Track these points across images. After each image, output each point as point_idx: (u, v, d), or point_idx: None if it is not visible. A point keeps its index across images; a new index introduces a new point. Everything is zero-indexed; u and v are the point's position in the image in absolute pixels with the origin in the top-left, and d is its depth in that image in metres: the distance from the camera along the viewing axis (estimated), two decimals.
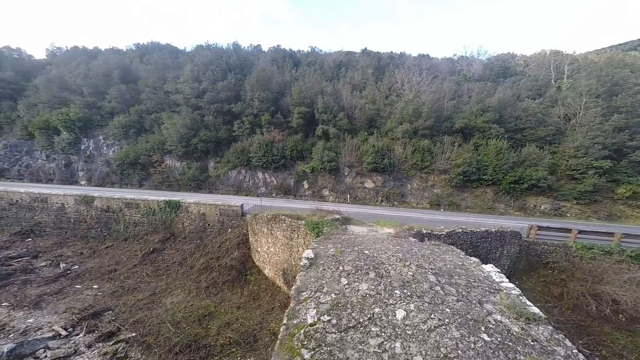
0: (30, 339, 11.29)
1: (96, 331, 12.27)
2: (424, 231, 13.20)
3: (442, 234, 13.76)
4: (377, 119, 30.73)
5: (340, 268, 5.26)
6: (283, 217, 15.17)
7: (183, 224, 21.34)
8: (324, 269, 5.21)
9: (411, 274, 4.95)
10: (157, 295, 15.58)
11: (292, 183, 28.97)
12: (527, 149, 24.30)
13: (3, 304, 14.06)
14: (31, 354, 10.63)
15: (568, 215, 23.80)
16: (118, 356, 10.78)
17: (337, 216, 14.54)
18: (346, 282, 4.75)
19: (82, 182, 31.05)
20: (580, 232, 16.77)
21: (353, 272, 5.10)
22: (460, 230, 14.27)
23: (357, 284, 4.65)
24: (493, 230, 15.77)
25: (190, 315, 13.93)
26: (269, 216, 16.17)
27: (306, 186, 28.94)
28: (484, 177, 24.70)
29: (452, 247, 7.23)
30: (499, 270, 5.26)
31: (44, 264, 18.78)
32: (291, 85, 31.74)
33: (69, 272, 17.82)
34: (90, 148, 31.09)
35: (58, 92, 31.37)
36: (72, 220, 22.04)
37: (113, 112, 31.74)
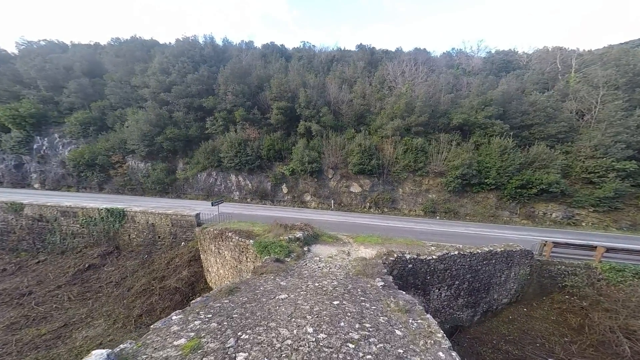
0: None
1: None
2: (408, 256, 9.89)
3: (432, 259, 10.43)
4: (367, 115, 27.50)
5: None
6: (230, 235, 11.85)
7: (130, 235, 18.03)
8: None
9: None
10: (69, 327, 12.26)
11: (269, 187, 25.68)
12: (536, 149, 20.98)
13: None
14: None
15: (583, 224, 20.50)
16: None
17: (299, 234, 11.25)
18: None
19: (36, 185, 27.76)
20: (608, 250, 13.44)
21: None
22: (456, 253, 10.95)
23: None
24: (498, 250, 12.45)
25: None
26: (215, 232, 12.86)
27: (285, 190, 25.64)
28: (485, 180, 21.39)
29: (430, 322, 3.90)
30: None
31: None
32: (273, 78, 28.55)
33: None
34: (44, 147, 27.82)
35: (9, 85, 28.20)
36: None
37: (72, 108, 28.54)
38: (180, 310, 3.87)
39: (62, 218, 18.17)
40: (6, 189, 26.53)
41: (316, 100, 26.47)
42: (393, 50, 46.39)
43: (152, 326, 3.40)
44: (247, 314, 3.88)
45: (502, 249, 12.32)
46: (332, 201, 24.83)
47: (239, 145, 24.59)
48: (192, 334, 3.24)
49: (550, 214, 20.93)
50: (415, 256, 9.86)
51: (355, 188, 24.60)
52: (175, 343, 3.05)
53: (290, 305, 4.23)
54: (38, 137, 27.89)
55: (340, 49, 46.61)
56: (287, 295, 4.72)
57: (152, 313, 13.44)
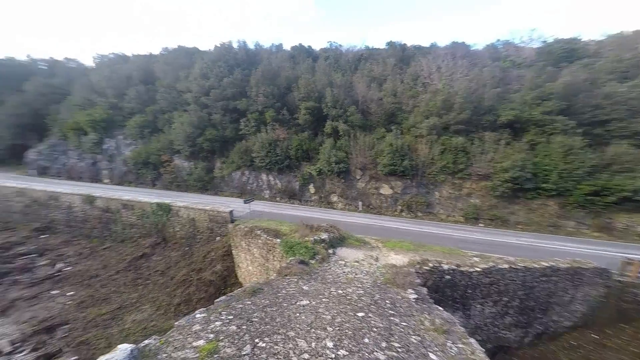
0: None
1: (41, 349, 10.91)
2: (445, 266, 8.88)
3: (475, 271, 9.20)
4: (398, 114, 26.03)
5: None
6: (259, 233, 12.20)
7: (174, 228, 19.97)
8: None
9: None
10: (122, 310, 13.96)
11: (297, 187, 26.03)
12: (615, 149, 17.28)
13: None
14: None
15: None
16: None
17: (324, 236, 11.02)
18: None
19: (106, 181, 32.73)
20: None
21: None
22: (506, 267, 9.49)
23: None
24: (562, 265, 10.52)
25: (144, 339, 11.87)
26: (245, 229, 13.38)
27: (312, 190, 25.70)
28: (544, 185, 18.41)
29: (474, 347, 3.25)
30: None
31: (44, 262, 18.97)
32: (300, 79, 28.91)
33: (59, 273, 17.52)
34: (112, 148, 32.66)
35: (88, 94, 33.82)
36: (79, 219, 22.46)
37: (132, 112, 32.96)
38: (204, 309, 3.93)
39: (123, 210, 21.01)
40: (85, 183, 31.81)
41: (343, 99, 26.00)
42: (427, 45, 42.97)
43: (175, 323, 3.48)
44: (267, 319, 3.74)
45: (568, 265, 10.35)
46: (360, 203, 24.05)
47: (269, 146, 25.44)
48: (212, 335, 3.21)
49: (636, 227, 17.04)
50: (455, 267, 8.80)
51: (385, 190, 23.44)
52: (195, 344, 3.04)
53: (311, 314, 3.99)
54: (107, 139, 32.90)
55: (368, 47, 44.80)
56: (308, 302, 4.49)
57: (189, 303, 14.54)
